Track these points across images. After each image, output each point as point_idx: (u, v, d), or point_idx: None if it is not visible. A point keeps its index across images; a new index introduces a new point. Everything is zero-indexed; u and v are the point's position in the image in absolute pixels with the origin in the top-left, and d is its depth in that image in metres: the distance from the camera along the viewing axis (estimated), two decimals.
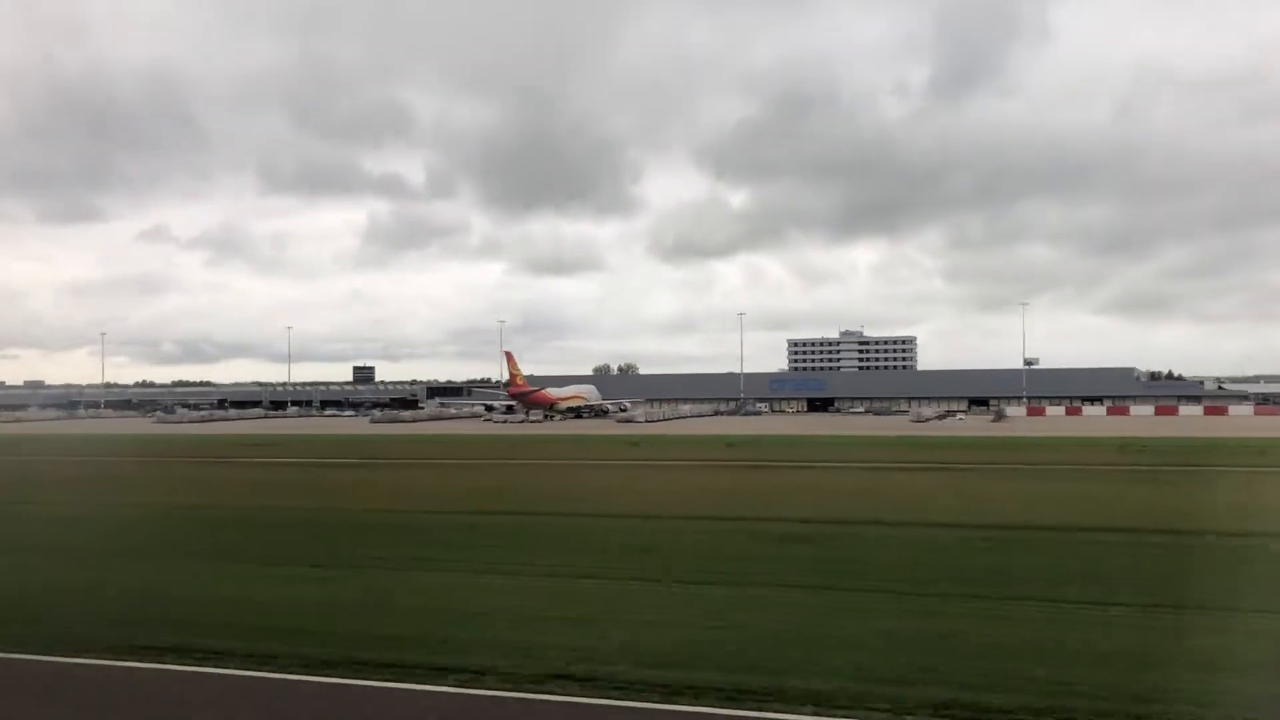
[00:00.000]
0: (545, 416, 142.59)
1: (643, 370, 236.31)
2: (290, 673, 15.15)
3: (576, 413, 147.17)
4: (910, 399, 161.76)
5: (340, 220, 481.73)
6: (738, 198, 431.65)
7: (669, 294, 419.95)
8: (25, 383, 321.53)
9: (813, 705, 13.29)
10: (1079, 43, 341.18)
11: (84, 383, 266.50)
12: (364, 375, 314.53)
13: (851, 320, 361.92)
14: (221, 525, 34.50)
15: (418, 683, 14.48)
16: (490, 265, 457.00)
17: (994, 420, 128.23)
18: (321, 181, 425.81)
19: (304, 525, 34.16)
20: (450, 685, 14.33)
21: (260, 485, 50.61)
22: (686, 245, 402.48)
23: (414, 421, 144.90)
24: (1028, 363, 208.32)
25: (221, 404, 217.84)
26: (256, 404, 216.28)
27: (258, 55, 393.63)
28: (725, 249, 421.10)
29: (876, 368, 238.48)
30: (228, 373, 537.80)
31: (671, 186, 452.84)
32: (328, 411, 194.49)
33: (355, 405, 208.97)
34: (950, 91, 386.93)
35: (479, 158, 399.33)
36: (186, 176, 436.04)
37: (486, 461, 65.58)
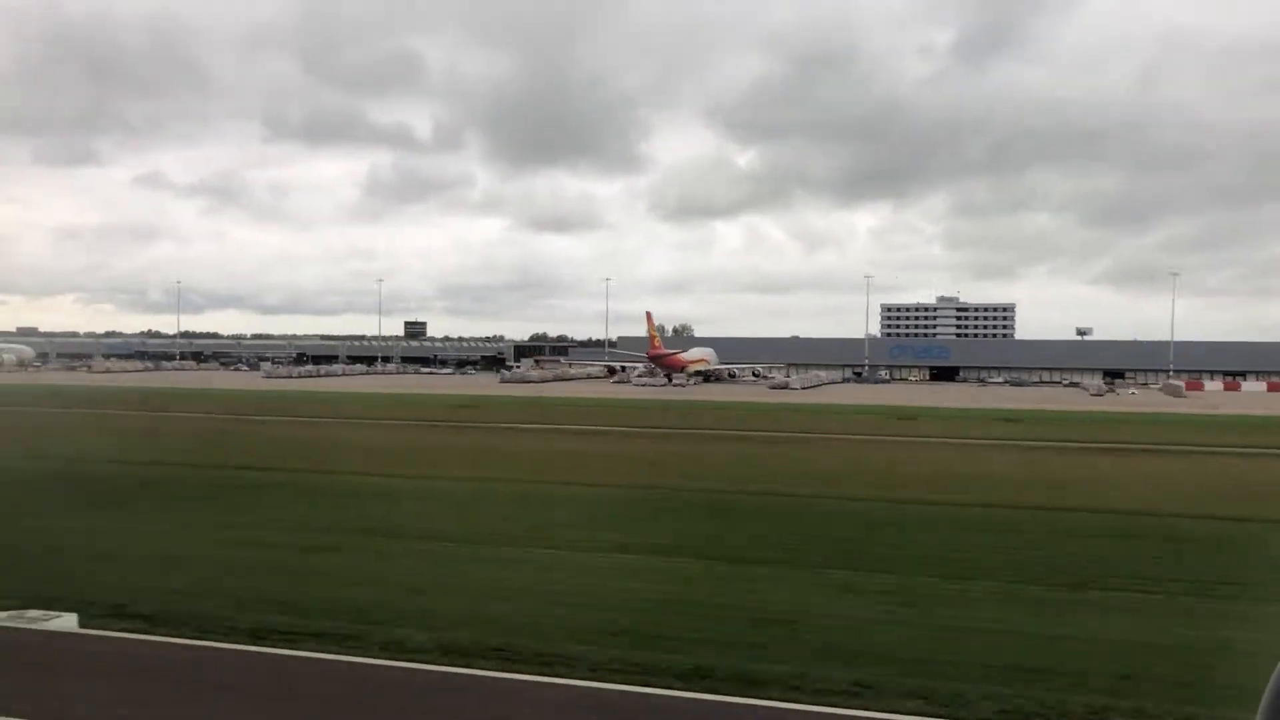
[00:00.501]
0: (668, 379, 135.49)
1: (698, 333, 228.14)
2: None
3: (705, 376, 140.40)
4: (1044, 370, 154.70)
5: (342, 170, 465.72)
6: (745, 158, 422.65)
7: (668, 253, 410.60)
8: (75, 332, 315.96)
9: None
10: (1107, 6, 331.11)
11: (90, 331, 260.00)
12: (415, 330, 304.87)
13: (849, 285, 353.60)
14: (744, 514, 28.32)
15: None
16: (490, 221, 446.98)
17: (1173, 395, 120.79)
18: (326, 131, 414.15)
19: (840, 518, 28.40)
20: None
21: (630, 459, 44.47)
22: (689, 205, 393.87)
23: (542, 382, 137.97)
24: (1081, 332, 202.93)
25: (301, 358, 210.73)
26: (333, 358, 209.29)
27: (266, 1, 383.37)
28: (728, 210, 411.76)
29: (975, 335, 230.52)
30: (216, 323, 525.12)
31: (680, 145, 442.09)
32: (424, 369, 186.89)
33: (441, 362, 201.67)
34: (972, 56, 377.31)
35: (487, 110, 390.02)
36: (188, 123, 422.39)
37: (781, 435, 58.58)
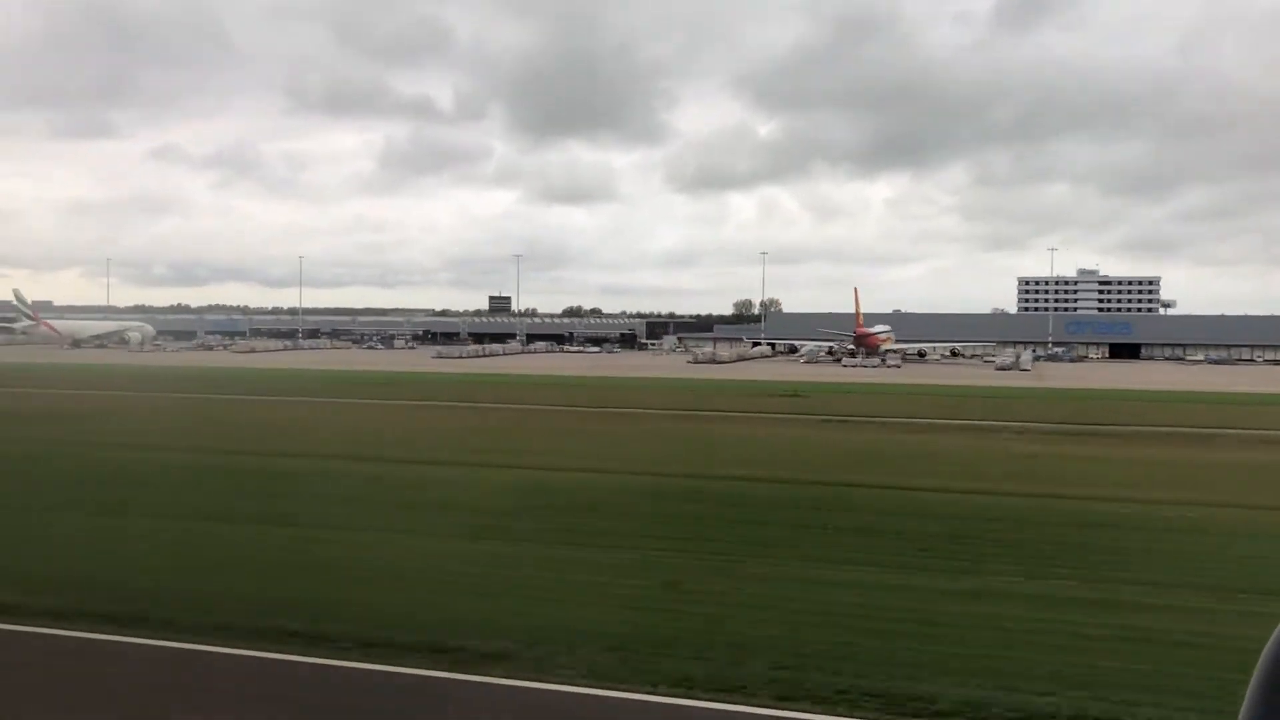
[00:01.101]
0: (882, 360, 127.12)
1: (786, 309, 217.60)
2: None
3: (901, 355, 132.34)
4: (1228, 347, 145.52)
5: (360, 142, 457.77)
6: (767, 128, 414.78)
7: (678, 226, 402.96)
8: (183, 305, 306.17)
9: None
10: None
11: (123, 305, 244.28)
12: (500, 305, 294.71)
13: (854, 256, 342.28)
14: None
15: None
16: (503, 193, 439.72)
17: None
18: (347, 101, 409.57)
19: None
20: None
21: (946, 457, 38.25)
22: (706, 176, 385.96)
23: (731, 362, 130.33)
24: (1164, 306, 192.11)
25: (430, 335, 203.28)
26: (454, 335, 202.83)
27: None
28: (745, 180, 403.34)
29: (1117, 309, 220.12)
30: (221, 295, 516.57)
31: (704, 115, 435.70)
32: (569, 348, 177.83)
33: (586, 339, 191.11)
34: (1008, 23, 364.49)
35: (511, 80, 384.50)
36: (208, 94, 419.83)
37: (1137, 431, 50.34)
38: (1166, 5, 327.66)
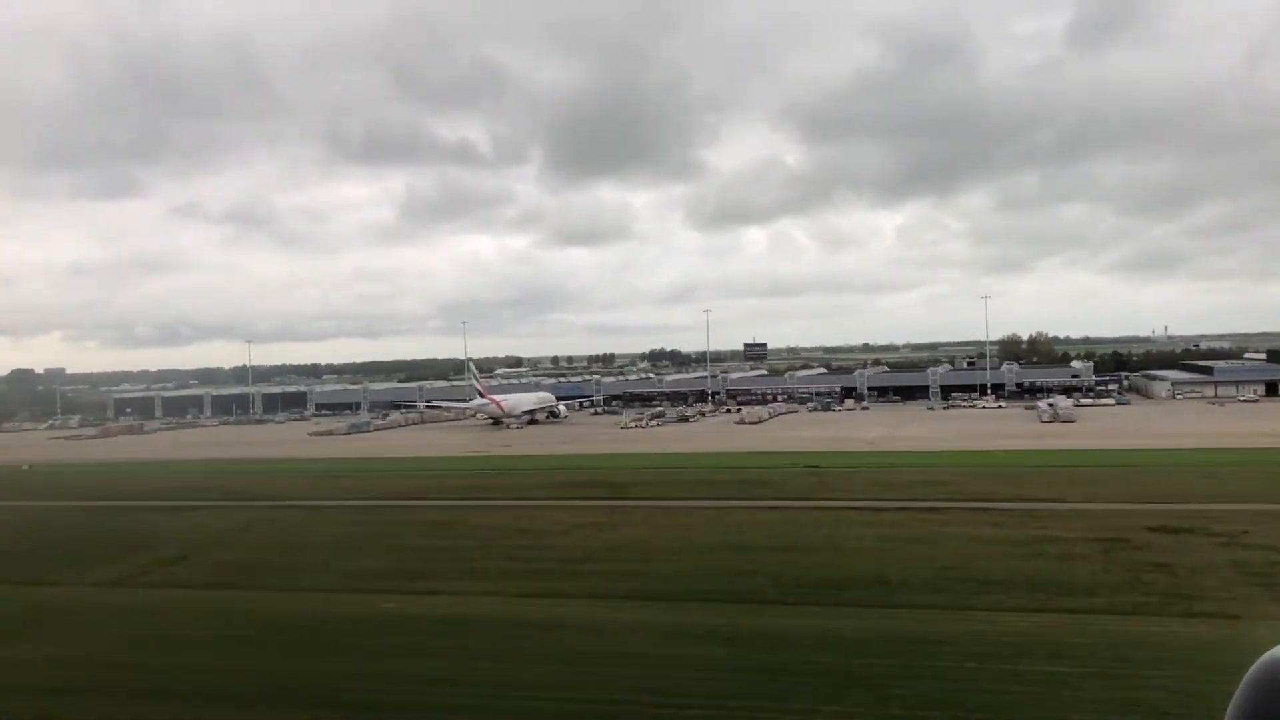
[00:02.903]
0: None
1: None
2: None
3: None
4: None
5: (380, 190, 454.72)
6: (797, 158, 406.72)
7: (682, 262, 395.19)
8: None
9: None
10: None
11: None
12: (756, 353, 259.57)
13: (852, 285, 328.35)
14: None
15: None
16: (517, 238, 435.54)
17: None
18: (386, 148, 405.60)
19: None
20: None
21: None
22: (728, 211, 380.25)
23: None
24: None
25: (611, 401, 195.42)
26: (651, 397, 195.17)
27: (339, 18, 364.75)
28: (764, 214, 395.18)
29: None
30: (205, 355, 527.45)
31: (740, 149, 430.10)
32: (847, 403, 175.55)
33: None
34: (1085, 40, 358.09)
35: (552, 122, 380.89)
36: (239, 145, 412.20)
37: None
38: (1232, 14, 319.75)
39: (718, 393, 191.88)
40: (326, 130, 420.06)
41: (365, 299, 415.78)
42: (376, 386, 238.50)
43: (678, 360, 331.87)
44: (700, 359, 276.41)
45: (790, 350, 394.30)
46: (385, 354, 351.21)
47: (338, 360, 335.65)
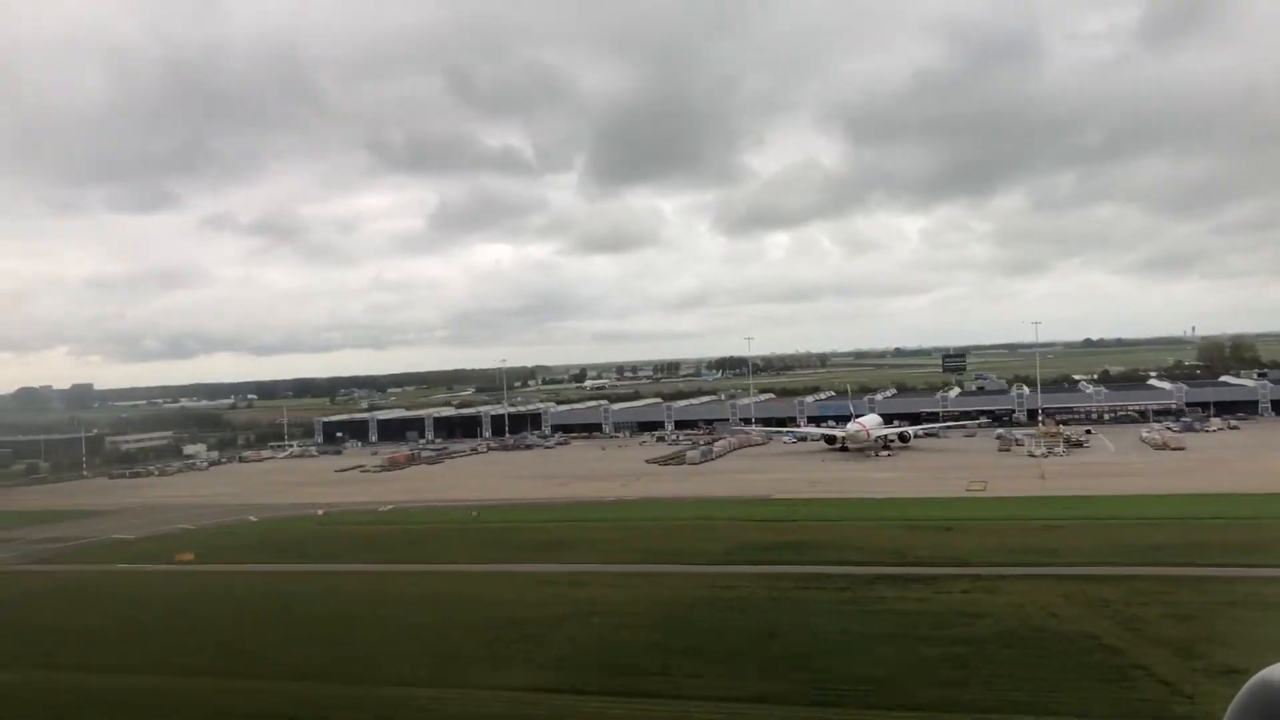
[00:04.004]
0: None
1: None
2: None
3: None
4: None
5: (413, 200, 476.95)
6: (834, 160, 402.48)
7: (701, 268, 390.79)
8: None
9: None
10: None
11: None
12: (954, 364, 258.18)
13: (868, 289, 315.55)
14: None
15: None
16: (542, 245, 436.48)
17: None
18: (429, 156, 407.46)
19: None
20: None
21: None
22: (758, 215, 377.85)
23: None
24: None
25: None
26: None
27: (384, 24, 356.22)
28: (794, 218, 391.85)
29: None
30: (211, 367, 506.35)
31: (783, 153, 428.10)
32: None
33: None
34: (1156, 38, 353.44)
35: (598, 128, 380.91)
36: (282, 156, 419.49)
37: None
38: None
39: (1014, 411, 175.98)
40: (371, 138, 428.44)
41: (375, 309, 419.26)
42: (617, 407, 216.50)
43: (744, 369, 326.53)
44: (767, 366, 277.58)
45: (817, 355, 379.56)
46: (393, 366, 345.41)
47: (345, 373, 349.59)
